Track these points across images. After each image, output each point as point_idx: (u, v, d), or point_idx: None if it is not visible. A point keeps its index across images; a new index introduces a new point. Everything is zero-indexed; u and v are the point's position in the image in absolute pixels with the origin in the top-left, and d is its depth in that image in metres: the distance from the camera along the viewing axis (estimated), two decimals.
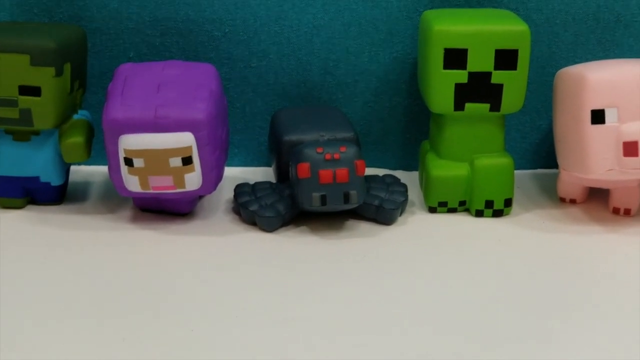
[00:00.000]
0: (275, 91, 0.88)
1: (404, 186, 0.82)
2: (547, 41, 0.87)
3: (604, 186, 0.81)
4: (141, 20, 0.86)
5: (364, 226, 0.79)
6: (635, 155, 0.74)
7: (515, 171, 0.81)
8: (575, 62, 0.84)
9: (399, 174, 0.88)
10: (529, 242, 0.76)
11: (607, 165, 0.75)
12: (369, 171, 0.86)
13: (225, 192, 0.83)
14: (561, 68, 0.80)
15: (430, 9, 0.85)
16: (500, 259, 0.74)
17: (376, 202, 0.79)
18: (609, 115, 0.74)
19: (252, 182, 0.81)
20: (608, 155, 0.75)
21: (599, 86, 0.74)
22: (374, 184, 0.81)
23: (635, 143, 0.74)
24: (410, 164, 0.90)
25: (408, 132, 0.89)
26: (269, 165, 0.88)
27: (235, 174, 0.88)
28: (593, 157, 0.75)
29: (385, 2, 0.86)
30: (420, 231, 0.78)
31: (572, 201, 0.83)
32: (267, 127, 0.87)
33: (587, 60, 0.85)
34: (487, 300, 0.67)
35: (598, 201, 0.83)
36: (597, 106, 0.74)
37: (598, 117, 0.74)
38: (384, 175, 0.83)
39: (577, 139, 0.76)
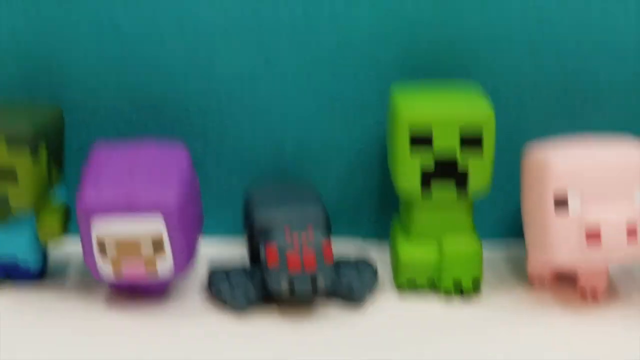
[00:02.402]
0: (250, 166, 0.90)
1: (373, 268, 0.83)
2: (515, 114, 0.88)
3: (571, 270, 0.82)
4: (118, 97, 0.87)
5: (333, 309, 0.80)
6: (598, 242, 0.75)
7: (486, 247, 0.83)
8: (544, 135, 0.85)
9: (372, 243, 0.90)
10: (496, 325, 0.77)
11: (570, 252, 0.76)
12: (342, 242, 0.89)
13: (200, 270, 0.84)
14: (529, 140, 0.82)
15: (399, 79, 0.86)
16: (467, 341, 0.75)
17: (345, 286, 0.80)
18: (571, 201, 0.75)
19: (226, 262, 0.83)
20: (571, 242, 0.76)
21: (562, 172, 0.75)
22: (344, 266, 0.82)
23: (598, 231, 0.75)
24: (383, 234, 0.91)
25: (382, 202, 0.91)
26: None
27: (211, 249, 0.89)
28: (556, 244, 0.76)
29: (354, 77, 0.87)
30: (389, 313, 0.79)
31: (542, 282, 0.84)
32: (241, 202, 0.88)
33: (555, 133, 0.85)
34: None
35: (568, 283, 0.84)
36: (560, 191, 0.75)
37: (561, 202, 0.75)
38: (354, 257, 0.84)
39: (540, 224, 0.77)
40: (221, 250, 0.89)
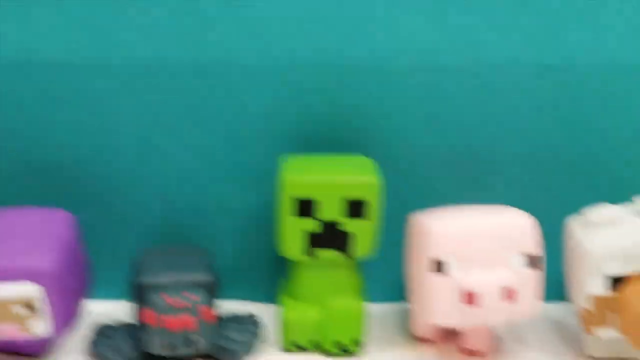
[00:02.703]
0: (143, 230, 0.90)
1: (257, 325, 0.83)
2: (414, 182, 0.89)
3: (454, 329, 0.83)
4: (7, 159, 0.87)
5: None
6: (474, 304, 0.76)
7: (378, 305, 0.84)
8: (442, 204, 0.86)
9: (267, 307, 0.90)
10: None
11: (447, 314, 0.77)
12: (236, 305, 0.89)
13: (85, 329, 0.84)
14: (428, 208, 0.82)
15: (294, 149, 0.87)
16: None
17: (223, 344, 0.80)
18: (449, 265, 0.76)
19: (112, 320, 0.83)
20: (448, 304, 0.77)
21: (440, 236, 0.77)
22: (227, 322, 0.82)
23: (474, 293, 0.76)
24: (276, 296, 0.92)
25: (275, 266, 0.91)
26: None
27: (100, 308, 0.89)
28: (433, 305, 0.77)
29: (251, 147, 0.88)
30: None
31: (427, 340, 0.85)
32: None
33: (454, 202, 0.86)
34: None
35: (455, 340, 0.85)
36: (438, 256, 0.76)
37: (438, 266, 0.76)
38: (241, 313, 0.85)
39: (420, 286, 0.78)
40: (110, 311, 0.88)
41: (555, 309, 0.90)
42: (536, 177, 0.90)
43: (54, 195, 0.88)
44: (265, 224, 0.89)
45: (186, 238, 0.90)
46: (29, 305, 0.74)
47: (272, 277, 0.91)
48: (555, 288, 0.89)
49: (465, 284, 0.76)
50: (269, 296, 0.92)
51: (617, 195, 0.85)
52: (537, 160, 0.89)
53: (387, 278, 0.92)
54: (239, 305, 0.90)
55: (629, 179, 0.90)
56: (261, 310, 0.89)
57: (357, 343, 0.82)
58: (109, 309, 0.89)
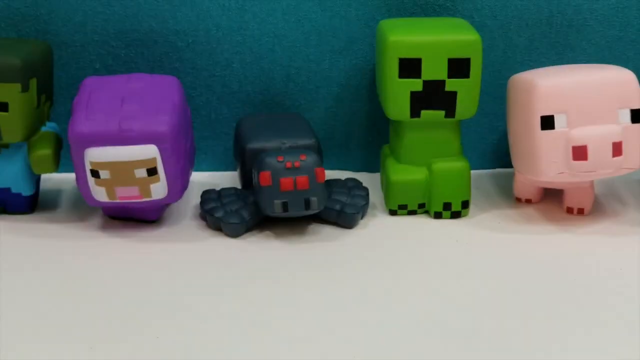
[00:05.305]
0: (239, 99, 0.90)
1: (365, 190, 0.85)
2: (502, 46, 0.90)
3: (558, 187, 0.84)
4: (106, 32, 0.88)
5: (327, 230, 0.81)
6: (584, 159, 0.77)
7: (474, 171, 0.85)
8: (529, 67, 0.88)
9: (362, 176, 0.91)
10: (485, 243, 0.79)
11: (557, 169, 0.78)
12: (333, 174, 0.89)
13: (192, 197, 0.85)
14: (516, 72, 0.83)
15: (387, 18, 0.87)
16: (458, 260, 0.77)
17: (337, 207, 0.81)
18: (558, 121, 0.77)
19: (218, 188, 0.84)
20: (558, 159, 0.77)
21: (549, 93, 0.77)
22: (336, 188, 0.84)
23: (584, 147, 0.77)
24: (373, 166, 0.93)
25: (370, 135, 0.92)
26: (236, 170, 0.91)
27: (202, 179, 0.90)
28: (543, 162, 0.78)
29: (344, 12, 0.88)
30: (381, 234, 0.81)
31: (528, 201, 0.86)
32: (232, 133, 0.89)
33: (541, 64, 0.88)
34: (449, 302, 0.70)
35: (553, 201, 0.86)
36: (547, 112, 0.77)
37: (548, 122, 0.77)
38: (346, 179, 0.86)
39: (528, 144, 0.79)
40: (212, 181, 0.90)
41: None
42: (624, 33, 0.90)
43: (150, 65, 0.89)
44: (358, 91, 0.90)
45: (281, 106, 0.91)
46: (149, 167, 0.75)
47: (368, 147, 0.93)
48: None
49: (576, 138, 0.77)
50: (366, 167, 0.93)
51: None
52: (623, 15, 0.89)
53: (484, 143, 0.93)
54: (336, 175, 0.91)
55: None
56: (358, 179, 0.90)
57: (464, 204, 0.83)
58: (210, 179, 0.91)
